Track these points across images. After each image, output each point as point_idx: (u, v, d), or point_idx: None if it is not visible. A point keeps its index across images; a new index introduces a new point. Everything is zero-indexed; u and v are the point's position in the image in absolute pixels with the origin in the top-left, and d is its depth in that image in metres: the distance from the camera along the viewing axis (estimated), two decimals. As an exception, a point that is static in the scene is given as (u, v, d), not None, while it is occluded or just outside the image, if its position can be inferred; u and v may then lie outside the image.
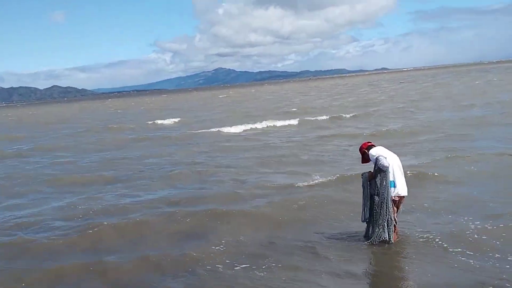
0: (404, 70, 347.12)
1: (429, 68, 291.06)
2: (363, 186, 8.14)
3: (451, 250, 7.55)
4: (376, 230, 7.90)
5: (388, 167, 7.73)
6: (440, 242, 7.85)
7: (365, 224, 8.23)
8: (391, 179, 7.77)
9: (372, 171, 7.99)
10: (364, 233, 8.28)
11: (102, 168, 17.71)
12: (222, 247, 8.43)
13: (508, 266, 6.84)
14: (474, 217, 8.90)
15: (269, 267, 7.45)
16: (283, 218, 9.87)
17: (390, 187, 7.76)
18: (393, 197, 7.80)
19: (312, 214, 10.04)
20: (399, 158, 8.08)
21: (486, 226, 8.39)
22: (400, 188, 7.87)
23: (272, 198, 11.38)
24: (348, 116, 30.91)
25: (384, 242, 7.86)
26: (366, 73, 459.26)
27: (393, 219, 7.81)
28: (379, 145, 8.24)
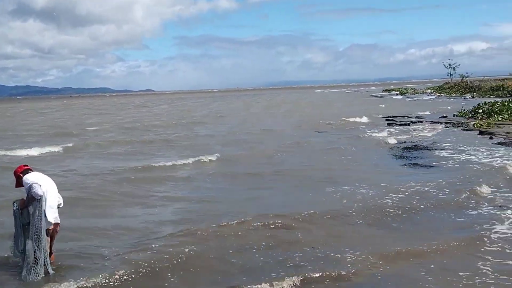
0: (168, 92, 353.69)
1: (191, 92, 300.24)
2: (14, 215, 7.39)
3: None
4: (34, 266, 7.15)
5: (42, 196, 7.15)
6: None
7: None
8: (44, 207, 7.19)
9: (24, 198, 7.31)
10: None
11: None
12: None
13: None
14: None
15: None
16: None
17: (44, 216, 7.18)
18: (48, 227, 7.25)
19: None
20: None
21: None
22: (54, 216, 7.39)
23: None
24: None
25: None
26: (130, 93, 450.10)
27: (47, 250, 7.25)
28: (36, 171, 7.63)
